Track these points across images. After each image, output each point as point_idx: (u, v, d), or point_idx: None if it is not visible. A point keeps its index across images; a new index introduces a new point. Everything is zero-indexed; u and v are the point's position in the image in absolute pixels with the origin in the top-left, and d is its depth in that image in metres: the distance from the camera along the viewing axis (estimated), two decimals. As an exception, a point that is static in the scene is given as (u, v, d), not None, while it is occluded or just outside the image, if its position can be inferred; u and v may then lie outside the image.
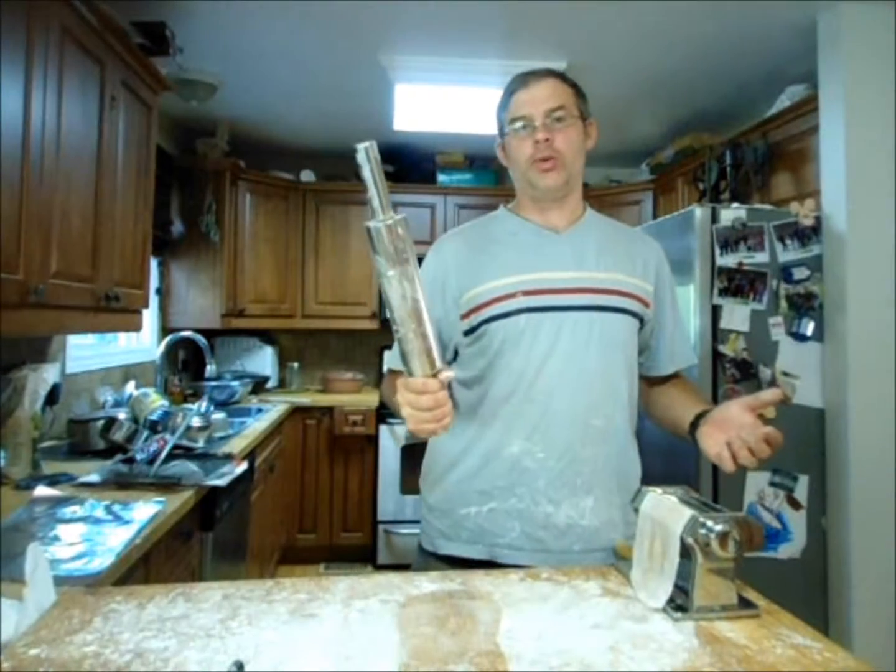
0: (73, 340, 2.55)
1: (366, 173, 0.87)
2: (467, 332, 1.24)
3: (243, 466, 2.12)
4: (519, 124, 1.22)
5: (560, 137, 1.20)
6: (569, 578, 1.02)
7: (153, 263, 3.28)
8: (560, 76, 1.26)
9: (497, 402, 1.21)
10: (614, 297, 1.23)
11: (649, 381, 1.36)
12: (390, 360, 1.27)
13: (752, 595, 0.97)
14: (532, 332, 1.19)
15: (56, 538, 1.35)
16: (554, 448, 1.18)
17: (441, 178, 4.21)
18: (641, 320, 1.27)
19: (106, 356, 2.92)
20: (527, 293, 1.20)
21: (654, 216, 3.77)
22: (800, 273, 2.38)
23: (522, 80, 1.25)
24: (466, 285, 1.23)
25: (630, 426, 1.27)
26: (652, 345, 1.32)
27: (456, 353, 1.29)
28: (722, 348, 2.34)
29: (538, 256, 1.24)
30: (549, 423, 1.18)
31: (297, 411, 3.74)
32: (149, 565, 1.48)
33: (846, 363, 2.27)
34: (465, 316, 1.23)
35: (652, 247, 1.34)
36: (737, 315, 2.36)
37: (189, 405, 2.58)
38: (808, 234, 2.39)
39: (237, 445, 2.42)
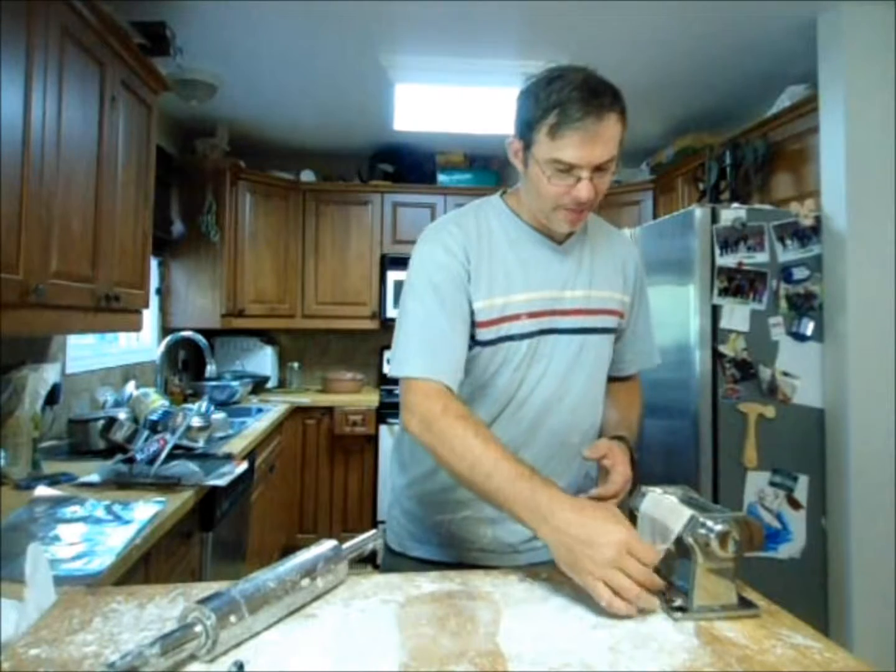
0: (73, 340, 2.55)
1: None
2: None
3: (243, 466, 2.12)
4: (559, 166, 1.05)
5: (598, 185, 1.08)
6: (569, 578, 1.02)
7: (153, 263, 3.28)
8: (617, 107, 1.07)
9: (483, 419, 1.14)
10: (602, 317, 1.21)
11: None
12: (425, 364, 1.08)
13: (752, 595, 0.97)
14: (531, 355, 1.16)
15: (56, 538, 1.35)
16: (532, 464, 1.17)
17: (441, 178, 4.21)
18: (616, 331, 1.27)
19: (106, 356, 2.92)
20: (531, 315, 1.15)
21: (654, 216, 3.77)
22: (800, 273, 2.38)
23: (581, 118, 1.02)
24: (475, 293, 1.14)
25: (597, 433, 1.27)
26: (617, 348, 1.30)
27: None
28: (722, 348, 2.34)
29: (541, 272, 1.18)
30: (530, 443, 1.17)
31: (297, 411, 3.74)
32: (149, 565, 1.48)
33: (846, 363, 2.27)
34: None
35: (631, 251, 1.32)
36: (737, 315, 2.35)
37: (189, 405, 2.58)
38: (807, 234, 2.39)
39: (237, 445, 2.42)
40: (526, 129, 1.09)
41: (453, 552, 1.20)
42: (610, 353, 1.26)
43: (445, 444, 1.02)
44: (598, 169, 1.06)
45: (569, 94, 1.03)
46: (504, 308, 1.14)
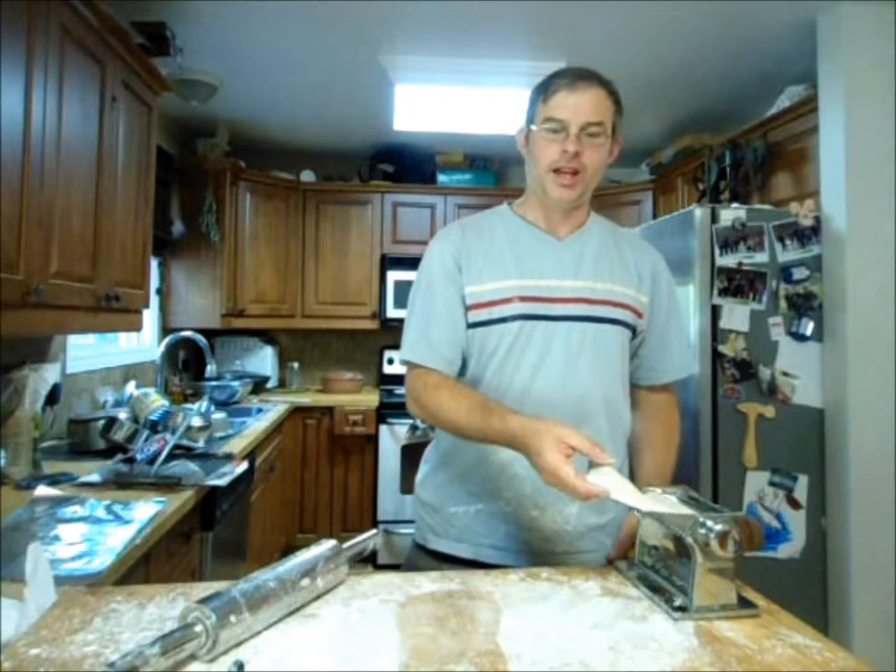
0: (74, 340, 2.55)
1: None
2: None
3: (243, 466, 2.12)
4: (552, 125, 1.17)
5: (589, 153, 1.17)
6: (569, 578, 1.02)
7: (153, 263, 3.28)
8: (608, 87, 1.21)
9: None
10: (608, 307, 1.22)
11: (637, 388, 1.34)
12: (414, 350, 1.22)
13: (751, 595, 0.97)
14: (524, 340, 1.19)
15: (57, 538, 1.35)
16: None
17: (441, 178, 4.21)
18: (634, 330, 1.26)
19: (106, 356, 2.92)
20: (523, 299, 1.19)
21: (654, 216, 3.77)
22: (799, 273, 2.38)
23: (570, 81, 1.17)
24: (466, 279, 1.22)
25: (622, 433, 1.26)
26: (641, 354, 1.31)
27: None
28: (722, 348, 2.34)
29: (537, 262, 1.23)
30: None
31: (297, 411, 3.74)
32: (149, 565, 1.48)
33: (846, 363, 2.27)
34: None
35: (651, 256, 1.32)
36: (736, 315, 2.36)
37: (189, 405, 2.58)
38: (807, 235, 2.39)
39: (237, 445, 2.42)
40: (529, 110, 1.24)
41: (468, 547, 1.22)
42: (624, 348, 1.26)
43: (431, 414, 1.18)
44: (590, 135, 1.16)
45: (562, 72, 1.22)
46: (495, 292, 1.21)
